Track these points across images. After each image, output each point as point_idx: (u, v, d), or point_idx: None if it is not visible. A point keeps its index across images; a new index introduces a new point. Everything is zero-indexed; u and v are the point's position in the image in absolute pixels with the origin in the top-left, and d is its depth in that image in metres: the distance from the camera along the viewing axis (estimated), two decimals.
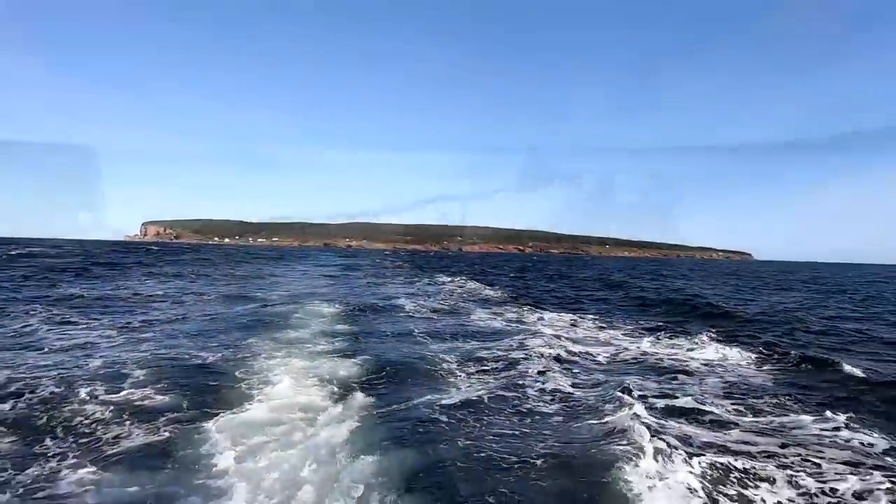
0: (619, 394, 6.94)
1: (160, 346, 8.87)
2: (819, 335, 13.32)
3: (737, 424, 6.10)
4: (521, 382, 7.73)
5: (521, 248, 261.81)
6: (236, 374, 7.30)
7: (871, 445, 5.53)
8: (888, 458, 5.11)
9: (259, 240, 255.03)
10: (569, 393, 7.38)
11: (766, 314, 17.35)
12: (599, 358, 10.04)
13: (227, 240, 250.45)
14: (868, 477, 4.67)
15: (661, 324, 14.71)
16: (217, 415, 5.63)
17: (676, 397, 7.19)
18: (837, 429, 6.00)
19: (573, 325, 14.33)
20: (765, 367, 9.53)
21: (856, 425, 6.03)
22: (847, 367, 9.03)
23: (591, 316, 16.16)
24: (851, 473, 4.75)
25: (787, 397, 7.33)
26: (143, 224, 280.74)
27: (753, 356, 10.30)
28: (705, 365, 9.47)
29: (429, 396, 6.82)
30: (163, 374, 6.96)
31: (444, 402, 6.57)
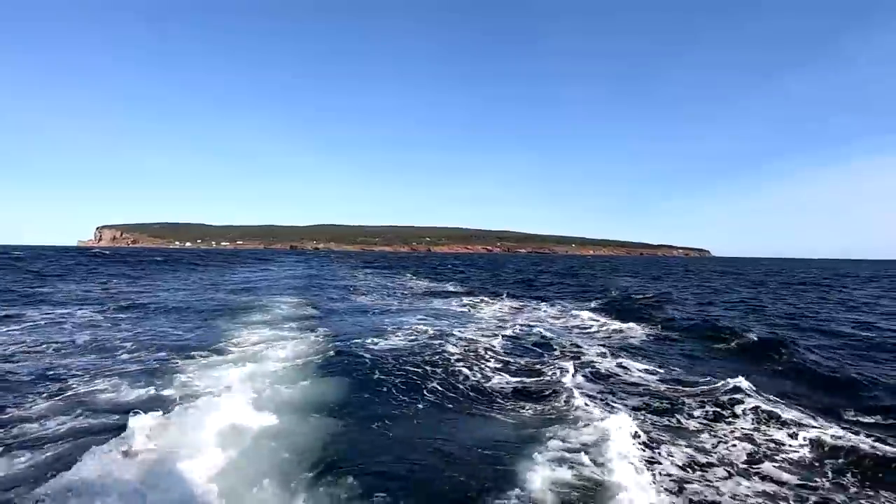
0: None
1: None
2: (695, 311, 14.58)
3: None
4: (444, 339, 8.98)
5: (488, 247, 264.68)
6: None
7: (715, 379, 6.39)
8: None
9: (223, 243, 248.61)
10: (473, 339, 8.98)
11: (666, 298, 18.66)
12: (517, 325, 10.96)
13: (188, 244, 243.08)
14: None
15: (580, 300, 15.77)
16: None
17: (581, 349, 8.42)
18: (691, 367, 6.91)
19: (505, 306, 15.13)
20: (640, 331, 10.84)
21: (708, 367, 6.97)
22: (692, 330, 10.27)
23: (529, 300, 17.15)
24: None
25: (654, 350, 8.46)
26: (97, 228, 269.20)
27: (633, 325, 11.59)
28: (599, 329, 10.58)
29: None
30: None
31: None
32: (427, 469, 3.87)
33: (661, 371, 7.24)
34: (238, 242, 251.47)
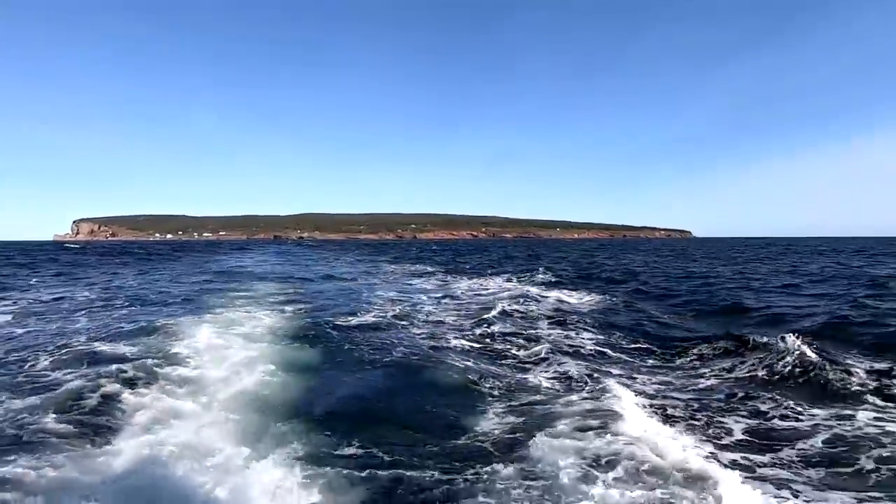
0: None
1: None
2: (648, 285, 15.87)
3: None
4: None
5: (474, 233, 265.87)
6: None
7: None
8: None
9: (205, 234, 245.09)
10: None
11: (620, 274, 19.96)
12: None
13: (169, 235, 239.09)
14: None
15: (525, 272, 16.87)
16: None
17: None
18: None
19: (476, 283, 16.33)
20: (585, 299, 12.14)
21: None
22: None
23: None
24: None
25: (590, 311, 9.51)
26: (74, 222, 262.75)
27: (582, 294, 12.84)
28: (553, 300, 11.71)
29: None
30: None
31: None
32: (393, 406, 4.83)
33: (595, 329, 8.36)
34: (220, 233, 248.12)
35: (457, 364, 6.30)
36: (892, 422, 4.32)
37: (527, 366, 6.35)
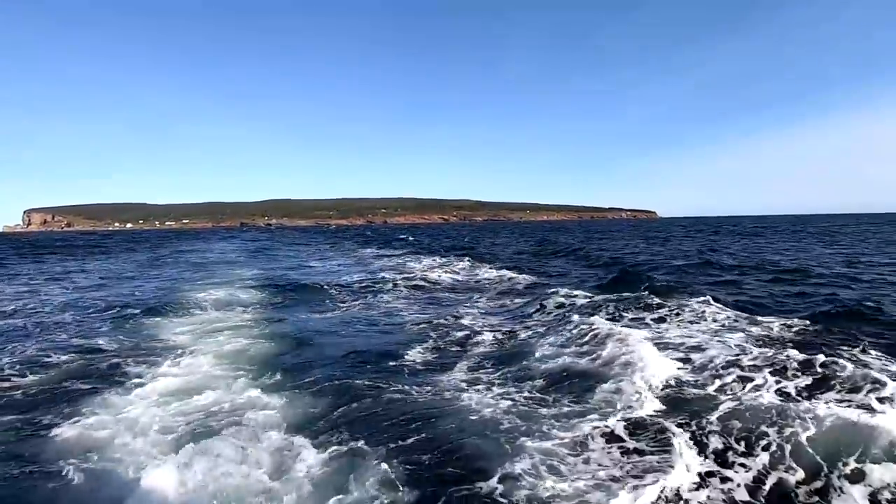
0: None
1: None
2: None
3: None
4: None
5: (445, 217, 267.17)
6: None
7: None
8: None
9: (167, 223, 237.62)
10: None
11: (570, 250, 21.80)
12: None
13: (129, 224, 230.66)
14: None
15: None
16: None
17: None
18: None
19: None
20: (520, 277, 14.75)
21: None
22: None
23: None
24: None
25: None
26: (25, 212, 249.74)
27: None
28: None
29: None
30: None
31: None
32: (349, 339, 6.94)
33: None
34: (184, 221, 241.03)
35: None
36: None
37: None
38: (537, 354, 6.31)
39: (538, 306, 9.69)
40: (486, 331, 8.00)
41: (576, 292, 10.48)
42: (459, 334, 7.79)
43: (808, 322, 7.46)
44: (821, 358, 5.12)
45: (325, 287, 13.34)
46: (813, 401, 4.30)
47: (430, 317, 9.38)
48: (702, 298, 9.07)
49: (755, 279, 12.98)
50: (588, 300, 9.62)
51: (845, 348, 6.02)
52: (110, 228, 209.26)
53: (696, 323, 7.59)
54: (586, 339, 6.58)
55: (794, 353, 5.41)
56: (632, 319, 8.07)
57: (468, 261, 19.57)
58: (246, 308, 10.52)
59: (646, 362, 5.33)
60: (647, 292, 9.60)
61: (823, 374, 4.85)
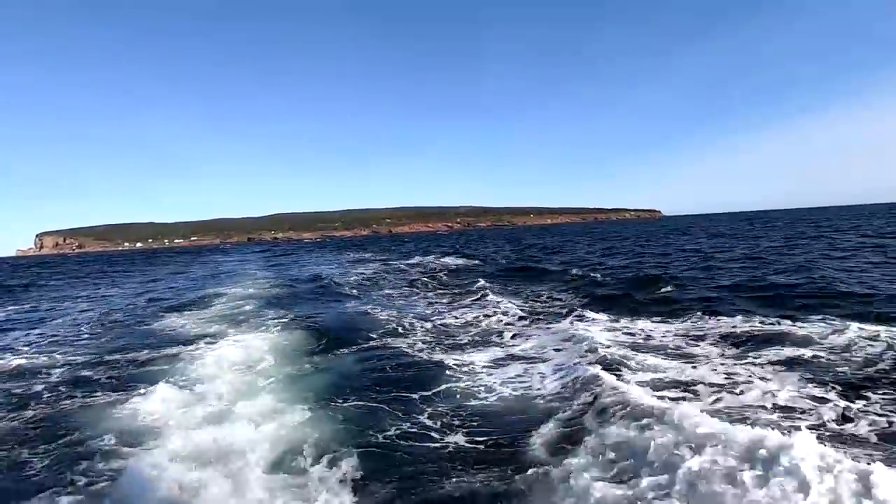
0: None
1: None
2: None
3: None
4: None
5: (449, 224, 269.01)
6: None
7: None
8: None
9: (176, 240, 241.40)
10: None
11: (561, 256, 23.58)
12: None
13: (139, 244, 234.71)
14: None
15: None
16: None
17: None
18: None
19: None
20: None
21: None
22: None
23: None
24: None
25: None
26: (37, 235, 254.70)
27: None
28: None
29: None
30: None
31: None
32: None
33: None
34: (192, 239, 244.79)
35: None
36: None
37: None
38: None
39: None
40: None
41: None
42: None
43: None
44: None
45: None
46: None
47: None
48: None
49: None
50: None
51: None
52: (119, 249, 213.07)
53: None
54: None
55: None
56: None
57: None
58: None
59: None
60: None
61: None
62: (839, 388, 4.74)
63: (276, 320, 10.01)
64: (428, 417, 4.82)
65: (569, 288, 13.21)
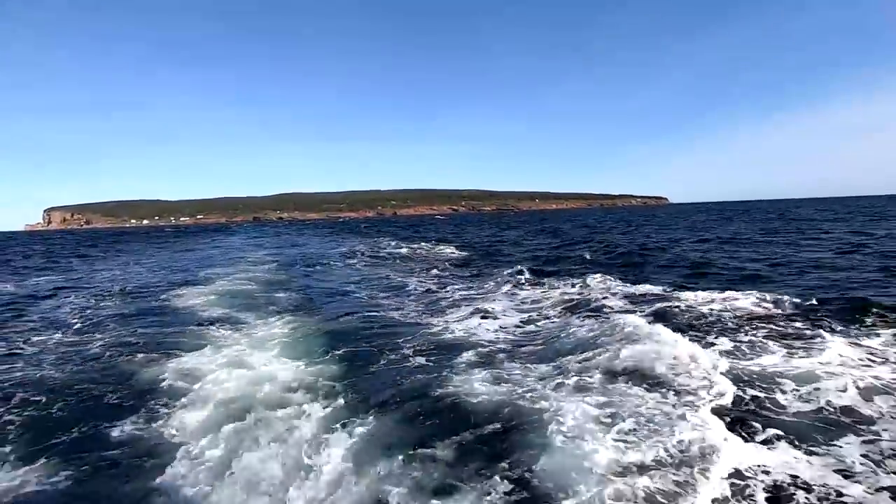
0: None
1: None
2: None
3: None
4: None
5: (454, 207, 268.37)
6: None
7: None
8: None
9: (182, 218, 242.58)
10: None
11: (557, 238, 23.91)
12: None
13: (145, 221, 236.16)
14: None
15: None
16: None
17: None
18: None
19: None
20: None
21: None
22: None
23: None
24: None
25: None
26: (45, 211, 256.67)
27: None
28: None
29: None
30: None
31: None
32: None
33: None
34: (198, 217, 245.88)
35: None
36: None
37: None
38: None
39: None
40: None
41: None
42: None
43: None
44: None
45: None
46: None
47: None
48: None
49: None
50: None
51: None
52: (126, 226, 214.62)
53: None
54: None
55: None
56: None
57: None
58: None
59: None
60: None
61: None
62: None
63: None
64: None
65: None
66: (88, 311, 9.50)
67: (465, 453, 3.48)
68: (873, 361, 4.80)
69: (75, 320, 8.72)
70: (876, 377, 4.39)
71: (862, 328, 5.97)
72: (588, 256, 15.78)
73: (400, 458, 3.44)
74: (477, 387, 4.53)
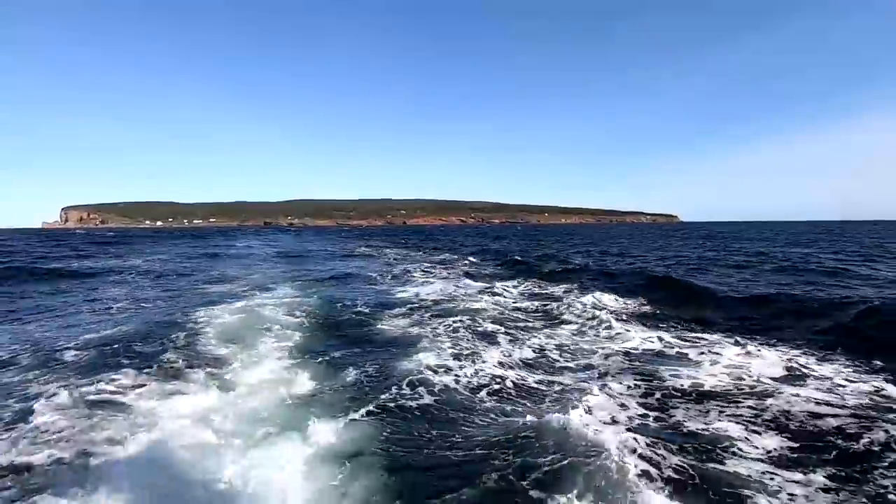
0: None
1: None
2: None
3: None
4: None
5: (463, 219, 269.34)
6: None
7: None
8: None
9: (195, 221, 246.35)
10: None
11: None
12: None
13: (159, 222, 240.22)
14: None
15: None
16: None
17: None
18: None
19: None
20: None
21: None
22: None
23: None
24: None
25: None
26: (62, 209, 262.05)
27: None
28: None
29: None
30: None
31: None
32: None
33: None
34: (211, 220, 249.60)
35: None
36: None
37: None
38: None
39: None
40: None
41: None
42: None
43: None
44: None
45: None
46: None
47: None
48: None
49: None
50: None
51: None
52: (140, 226, 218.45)
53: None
54: None
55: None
56: None
57: None
58: None
59: None
60: None
61: None
62: None
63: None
64: None
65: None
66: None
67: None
68: None
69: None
70: None
71: None
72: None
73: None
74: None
